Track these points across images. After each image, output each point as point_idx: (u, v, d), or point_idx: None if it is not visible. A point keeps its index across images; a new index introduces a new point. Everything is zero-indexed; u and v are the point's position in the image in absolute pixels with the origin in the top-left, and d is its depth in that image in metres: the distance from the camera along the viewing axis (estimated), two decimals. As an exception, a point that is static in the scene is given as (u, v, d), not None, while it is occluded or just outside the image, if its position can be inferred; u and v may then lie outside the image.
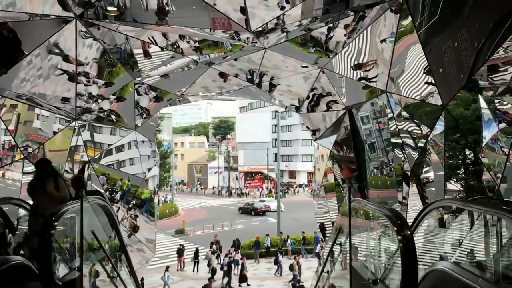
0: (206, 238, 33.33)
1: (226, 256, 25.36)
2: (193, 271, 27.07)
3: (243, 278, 23.87)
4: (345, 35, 9.10)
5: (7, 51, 7.05)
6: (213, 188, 74.07)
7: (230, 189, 72.04)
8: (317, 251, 27.15)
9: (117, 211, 13.46)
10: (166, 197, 57.34)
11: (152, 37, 9.27)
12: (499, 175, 6.31)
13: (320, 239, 28.77)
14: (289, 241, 30.43)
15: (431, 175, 8.57)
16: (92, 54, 9.24)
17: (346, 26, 8.72)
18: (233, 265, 25.42)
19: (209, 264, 26.05)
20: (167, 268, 24.85)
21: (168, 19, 8.01)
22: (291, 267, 24.02)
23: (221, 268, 24.85)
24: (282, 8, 7.57)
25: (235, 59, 11.22)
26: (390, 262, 5.71)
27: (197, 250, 27.96)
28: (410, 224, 5.74)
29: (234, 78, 12.88)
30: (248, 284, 23.87)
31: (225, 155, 78.62)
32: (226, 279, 23.87)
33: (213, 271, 24.98)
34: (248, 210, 47.75)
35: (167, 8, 7.49)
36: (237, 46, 10.02)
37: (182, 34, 9.28)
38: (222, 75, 12.42)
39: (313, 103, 13.67)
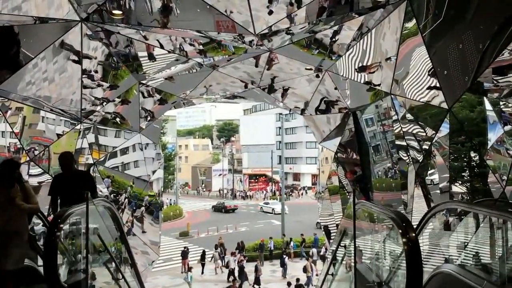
0: (210, 240, 33.33)
1: (238, 259, 25.43)
2: (202, 273, 27.10)
3: (257, 281, 23.88)
4: (353, 40, 9.11)
5: (10, 54, 7.10)
6: (219, 190, 74.12)
7: (234, 191, 72.04)
8: (311, 255, 27.31)
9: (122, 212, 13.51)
10: (171, 199, 57.54)
11: (158, 40, 9.31)
12: (505, 177, 6.28)
13: (319, 245, 28.89)
14: (292, 243, 30.45)
15: (436, 177, 8.54)
16: (97, 56, 9.29)
17: (358, 28, 8.71)
18: (237, 268, 25.49)
19: (227, 266, 26.03)
20: (190, 269, 24.82)
21: (172, 22, 8.05)
22: (305, 269, 24.00)
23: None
24: (270, 12, 7.58)
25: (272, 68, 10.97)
26: (395, 264, 5.69)
27: (203, 252, 27.94)
28: (415, 226, 5.72)
29: (238, 80, 12.91)
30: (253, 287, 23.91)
31: (229, 157, 78.61)
32: (238, 281, 23.94)
33: (231, 273, 24.96)
34: (219, 208, 53.52)
35: (171, 5, 7.49)
36: (241, 48, 10.05)
37: (187, 37, 9.32)
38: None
39: (323, 108, 13.71)
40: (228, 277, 24.77)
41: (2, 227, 5.14)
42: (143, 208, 15.51)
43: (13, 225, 5.18)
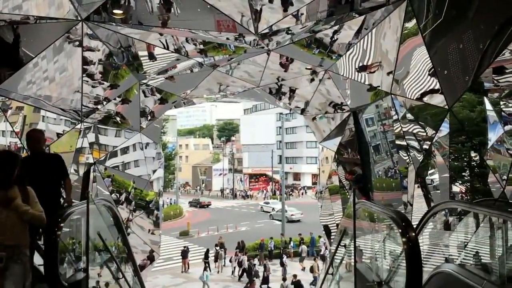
0: (210, 240, 33.36)
1: (248, 259, 25.66)
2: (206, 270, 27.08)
3: (265, 280, 24.00)
4: (353, 38, 9.12)
5: (11, 54, 7.10)
6: (221, 190, 74.22)
7: (234, 191, 72.09)
8: (303, 254, 28.33)
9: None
10: (171, 199, 57.71)
11: (163, 40, 9.30)
12: (505, 177, 6.29)
13: (316, 244, 29.45)
14: (291, 243, 30.53)
15: (436, 177, 8.55)
16: (97, 56, 9.30)
17: (358, 30, 8.71)
18: (237, 267, 25.59)
19: (240, 265, 26.09)
20: (205, 268, 24.72)
21: (172, 22, 8.05)
22: (312, 269, 24.13)
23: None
24: (256, 12, 7.57)
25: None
26: (395, 264, 5.70)
27: (207, 251, 27.96)
28: (415, 226, 5.73)
29: (239, 80, 12.92)
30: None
31: (229, 157, 78.68)
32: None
33: (244, 271, 25.02)
34: (195, 204, 59.34)
35: (171, 2, 7.47)
36: (240, 48, 10.05)
37: (187, 36, 9.32)
38: (283, 65, 11.75)
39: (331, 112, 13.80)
40: (241, 276, 24.80)
41: None
42: (157, 213, 15.67)
43: (11, 236, 4.06)
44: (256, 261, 25.79)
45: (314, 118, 15.44)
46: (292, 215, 43.08)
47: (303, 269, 27.06)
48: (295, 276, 22.01)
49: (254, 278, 23.96)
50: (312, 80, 11.92)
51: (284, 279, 22.00)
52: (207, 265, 26.95)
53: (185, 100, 15.44)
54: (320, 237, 29.81)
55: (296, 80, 12.66)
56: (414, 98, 7.93)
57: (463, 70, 6.01)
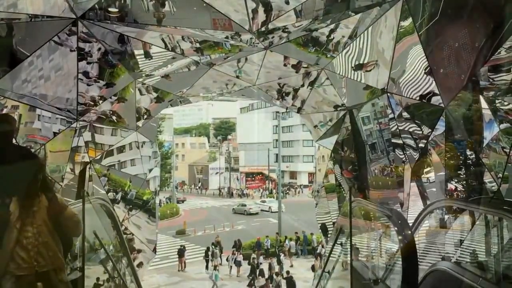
0: (207, 238, 33.34)
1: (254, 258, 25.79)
2: (206, 268, 27.11)
3: (270, 279, 24.11)
4: (350, 38, 9.14)
5: (6, 52, 7.06)
6: (219, 189, 74.10)
7: (231, 190, 72.06)
8: (292, 250, 29.38)
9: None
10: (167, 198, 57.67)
11: (159, 38, 9.28)
12: (500, 175, 6.31)
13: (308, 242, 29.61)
14: (287, 241, 30.63)
15: (432, 175, 8.57)
16: (93, 54, 9.26)
17: (354, 26, 8.73)
18: (235, 266, 25.57)
19: (249, 263, 26.07)
20: (215, 267, 24.59)
21: (168, 20, 8.02)
22: (313, 268, 24.26)
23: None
24: (254, 11, 7.58)
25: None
26: (391, 262, 5.72)
27: (208, 249, 27.91)
28: (411, 224, 5.75)
29: (236, 79, 12.90)
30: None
31: (226, 156, 78.62)
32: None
33: (254, 270, 25.06)
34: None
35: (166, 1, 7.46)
36: (236, 46, 10.04)
37: (183, 35, 9.30)
38: (295, 66, 11.65)
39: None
40: (250, 275, 24.90)
41: (27, 267, 3.06)
42: (153, 212, 15.66)
43: (45, 258, 3.16)
44: (261, 259, 25.88)
45: (315, 126, 15.50)
46: (250, 208, 49.49)
47: (291, 265, 27.52)
48: (288, 272, 22.25)
49: (262, 277, 24.13)
50: (302, 85, 12.01)
51: (277, 274, 22.29)
52: (214, 262, 26.82)
53: (181, 99, 15.41)
54: (312, 234, 30.07)
55: (292, 79, 12.66)
56: (411, 98, 7.95)
57: (459, 68, 6.03)
